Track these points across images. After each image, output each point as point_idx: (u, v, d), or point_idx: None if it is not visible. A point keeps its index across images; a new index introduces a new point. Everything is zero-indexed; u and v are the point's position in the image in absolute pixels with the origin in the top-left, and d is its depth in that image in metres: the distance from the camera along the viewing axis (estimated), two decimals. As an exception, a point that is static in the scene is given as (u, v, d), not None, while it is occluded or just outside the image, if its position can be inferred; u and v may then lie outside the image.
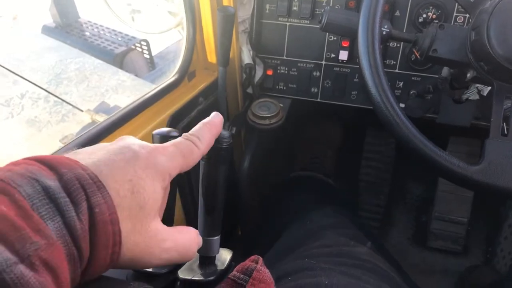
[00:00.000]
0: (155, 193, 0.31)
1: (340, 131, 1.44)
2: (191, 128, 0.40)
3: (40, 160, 0.27)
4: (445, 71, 0.89)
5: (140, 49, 2.13)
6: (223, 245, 0.49)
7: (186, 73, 0.88)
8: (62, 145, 0.61)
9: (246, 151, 1.10)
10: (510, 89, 0.62)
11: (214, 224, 0.46)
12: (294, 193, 1.09)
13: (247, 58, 1.00)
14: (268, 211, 1.13)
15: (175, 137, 0.40)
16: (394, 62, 0.98)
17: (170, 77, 0.85)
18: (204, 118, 0.41)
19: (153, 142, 0.40)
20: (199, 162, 0.41)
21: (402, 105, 1.00)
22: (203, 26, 0.91)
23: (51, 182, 0.26)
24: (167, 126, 0.77)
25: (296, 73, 1.05)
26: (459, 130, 1.01)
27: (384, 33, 0.73)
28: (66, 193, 0.26)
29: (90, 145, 0.33)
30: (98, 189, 0.28)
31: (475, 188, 0.60)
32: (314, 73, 1.04)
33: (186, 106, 0.83)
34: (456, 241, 1.30)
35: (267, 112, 1.01)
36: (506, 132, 0.61)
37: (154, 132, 0.41)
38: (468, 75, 0.75)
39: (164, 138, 0.40)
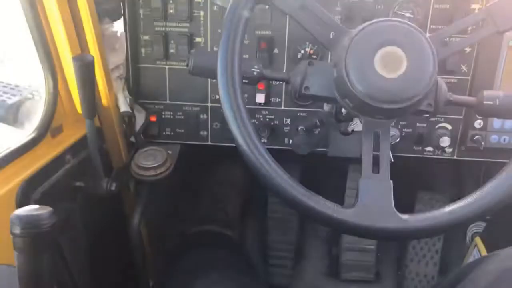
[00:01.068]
0: None
1: (243, 171, 1.39)
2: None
3: None
4: (326, 105, 0.88)
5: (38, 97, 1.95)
6: None
7: (48, 128, 0.78)
8: None
9: (136, 206, 1.00)
10: (378, 124, 0.61)
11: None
12: (189, 254, 1.00)
13: (123, 106, 0.92)
14: (162, 274, 1.03)
15: None
16: (279, 100, 0.96)
17: (27, 135, 0.74)
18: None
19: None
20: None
21: (290, 142, 0.98)
22: (66, 75, 0.82)
23: None
24: (17, 195, 0.66)
25: (182, 117, 0.99)
26: (356, 159, 1.00)
27: (255, 73, 0.69)
28: None
29: None
30: None
31: (353, 232, 0.57)
32: (202, 116, 0.98)
33: (47, 167, 0.73)
34: (368, 269, 1.29)
35: (152, 162, 0.93)
36: (378, 170, 0.60)
37: None
38: (343, 110, 0.74)
39: None
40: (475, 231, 1.19)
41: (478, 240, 1.12)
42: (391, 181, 0.59)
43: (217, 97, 0.96)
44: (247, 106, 0.96)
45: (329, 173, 1.46)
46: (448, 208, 0.57)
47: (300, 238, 1.40)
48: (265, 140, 0.98)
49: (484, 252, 1.09)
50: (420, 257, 1.26)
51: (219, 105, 0.99)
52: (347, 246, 1.29)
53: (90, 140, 0.81)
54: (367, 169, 0.59)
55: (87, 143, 0.84)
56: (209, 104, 0.97)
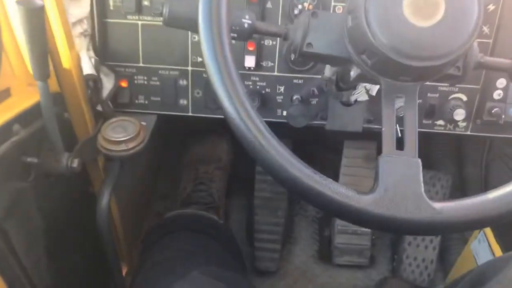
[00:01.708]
0: None
1: (228, 146, 1.26)
2: None
3: None
4: (328, 70, 0.75)
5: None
6: None
7: (-11, 92, 0.63)
8: None
9: (104, 185, 0.87)
10: (402, 88, 0.49)
11: None
12: (167, 240, 0.87)
13: (87, 68, 0.77)
14: (136, 262, 0.91)
15: None
16: (272, 64, 0.82)
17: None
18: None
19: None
20: None
21: (284, 113, 0.85)
22: (12, 26, 0.67)
23: None
24: None
25: (158, 82, 0.85)
26: (353, 134, 0.89)
27: (245, 25, 0.56)
28: None
29: None
30: None
31: (372, 224, 0.46)
32: (181, 82, 0.85)
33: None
34: (361, 253, 1.20)
35: (123, 135, 0.79)
36: (402, 146, 0.48)
37: None
38: (352, 73, 0.61)
39: None
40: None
41: (484, 223, 1.03)
42: (419, 160, 0.47)
43: (199, 59, 0.83)
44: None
45: (322, 149, 1.35)
46: (493, 194, 0.45)
47: (289, 219, 1.30)
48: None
49: (490, 236, 1.00)
50: (419, 240, 1.17)
51: (202, 69, 0.86)
52: (340, 228, 1.19)
53: (44, 106, 0.66)
54: (389, 144, 0.47)
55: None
56: (189, 68, 0.83)
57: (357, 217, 0.45)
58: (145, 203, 1.31)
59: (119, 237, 1.06)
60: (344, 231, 1.19)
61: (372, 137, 1.16)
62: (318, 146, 1.36)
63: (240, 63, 0.81)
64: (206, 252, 0.81)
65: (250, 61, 0.80)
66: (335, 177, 1.19)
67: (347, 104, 0.83)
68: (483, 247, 1.02)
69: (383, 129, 0.47)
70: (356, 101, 0.81)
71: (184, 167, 1.20)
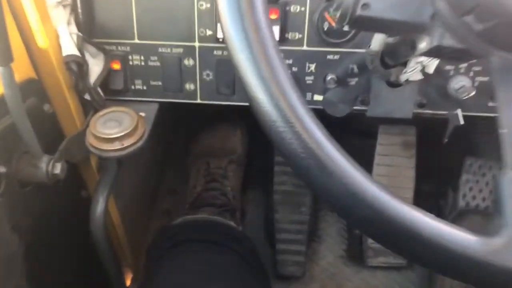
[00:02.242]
0: None
1: (243, 136, 1.10)
2: None
3: None
4: (377, 41, 0.58)
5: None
6: None
7: None
8: None
9: (98, 189, 0.72)
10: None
11: None
12: (177, 262, 0.72)
13: (68, 47, 0.61)
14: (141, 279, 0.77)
15: None
16: (300, 36, 0.65)
17: None
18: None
19: None
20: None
21: (319, 98, 0.69)
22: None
23: None
24: None
25: (158, 63, 0.68)
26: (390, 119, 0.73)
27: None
28: None
29: None
30: None
31: (489, 280, 0.30)
32: (186, 62, 0.68)
33: None
34: (398, 254, 1.05)
35: (117, 130, 0.64)
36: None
37: None
38: (422, 45, 0.44)
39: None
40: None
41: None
42: None
43: (209, 32, 0.66)
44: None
45: (349, 132, 1.18)
46: None
47: (314, 216, 1.15)
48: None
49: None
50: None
51: (212, 45, 0.69)
52: (374, 226, 1.04)
53: (9, 98, 0.51)
54: None
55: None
56: (196, 44, 0.67)
57: (474, 272, 0.29)
58: (151, 200, 1.17)
59: (122, 243, 0.92)
60: (378, 228, 1.04)
61: (410, 121, 1.00)
62: (344, 128, 1.20)
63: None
64: (226, 273, 0.67)
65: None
66: (368, 167, 1.04)
67: (395, 84, 0.66)
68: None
69: (503, 130, 0.31)
70: (407, 80, 0.64)
71: (193, 161, 1.05)
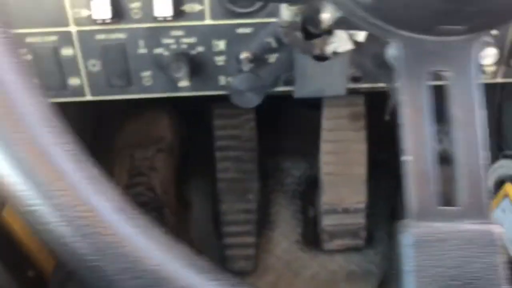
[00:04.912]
0: None
1: (172, 121, 0.98)
2: None
3: None
4: (286, 10, 0.46)
5: None
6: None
7: None
8: None
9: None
10: (442, 50, 0.21)
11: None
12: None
13: None
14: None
15: None
16: (201, 7, 0.53)
17: None
18: None
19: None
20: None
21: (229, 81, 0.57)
22: None
23: None
24: None
25: (29, 56, 0.55)
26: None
27: None
28: None
29: None
30: None
31: None
32: (64, 52, 0.55)
33: None
34: (356, 234, 0.97)
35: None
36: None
37: None
38: (324, 15, 0.33)
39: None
40: (502, 173, 0.86)
41: (509, 188, 0.80)
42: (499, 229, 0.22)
43: (84, 12, 0.52)
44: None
45: (298, 105, 1.08)
46: None
47: (265, 200, 1.05)
48: (187, 84, 0.57)
49: (520, 206, 0.77)
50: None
51: (93, 28, 0.55)
52: (327, 208, 0.95)
53: None
54: (421, 192, 0.21)
55: None
56: (73, 28, 0.53)
57: None
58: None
59: (40, 259, 0.80)
60: (333, 210, 0.96)
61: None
62: (292, 101, 1.10)
63: (148, 13, 0.51)
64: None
65: (164, 6, 0.50)
66: (315, 144, 0.94)
67: (322, 58, 0.55)
68: (509, 219, 0.80)
69: (407, 157, 0.21)
70: (334, 53, 0.53)
71: (117, 153, 0.92)
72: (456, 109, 0.22)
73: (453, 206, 0.24)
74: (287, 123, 1.15)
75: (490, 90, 0.99)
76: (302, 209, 1.07)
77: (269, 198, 1.09)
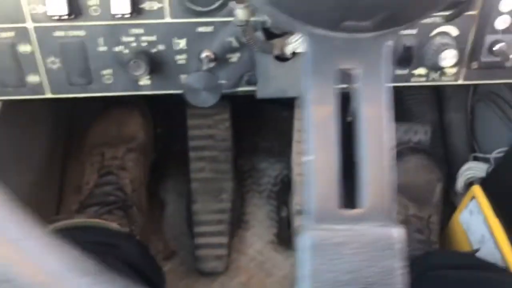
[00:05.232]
0: None
1: (143, 120, 0.97)
2: None
3: None
4: (240, 10, 0.46)
5: None
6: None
7: None
8: None
9: None
10: (351, 48, 0.21)
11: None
12: None
13: None
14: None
15: None
16: (160, 5, 0.52)
17: None
18: None
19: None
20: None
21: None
22: None
23: None
24: None
25: (-13, 53, 0.54)
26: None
27: None
28: None
29: None
30: None
31: None
32: (22, 48, 0.54)
33: None
34: (328, 234, 0.97)
35: None
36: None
37: None
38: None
39: None
40: (471, 175, 0.87)
41: (477, 190, 0.81)
42: (401, 229, 0.22)
43: (41, 8, 0.52)
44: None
45: (272, 103, 1.08)
46: None
47: (239, 200, 1.05)
48: (148, 83, 0.56)
49: (486, 207, 0.78)
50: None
51: (51, 24, 0.54)
52: (298, 208, 0.95)
53: None
54: (323, 196, 0.21)
55: None
56: (30, 25, 0.53)
57: None
58: (55, 200, 1.03)
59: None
60: (304, 211, 0.95)
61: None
62: (268, 101, 1.10)
63: (106, 11, 0.51)
64: None
65: (121, 3, 0.50)
66: (288, 144, 0.94)
67: (283, 58, 0.55)
68: (476, 221, 0.80)
69: (309, 157, 0.21)
70: (295, 53, 0.53)
71: (88, 152, 0.91)
72: (362, 108, 0.22)
73: (356, 208, 0.24)
74: (263, 123, 1.15)
75: (463, 93, 1.01)
76: (277, 210, 1.07)
77: (244, 198, 1.08)
